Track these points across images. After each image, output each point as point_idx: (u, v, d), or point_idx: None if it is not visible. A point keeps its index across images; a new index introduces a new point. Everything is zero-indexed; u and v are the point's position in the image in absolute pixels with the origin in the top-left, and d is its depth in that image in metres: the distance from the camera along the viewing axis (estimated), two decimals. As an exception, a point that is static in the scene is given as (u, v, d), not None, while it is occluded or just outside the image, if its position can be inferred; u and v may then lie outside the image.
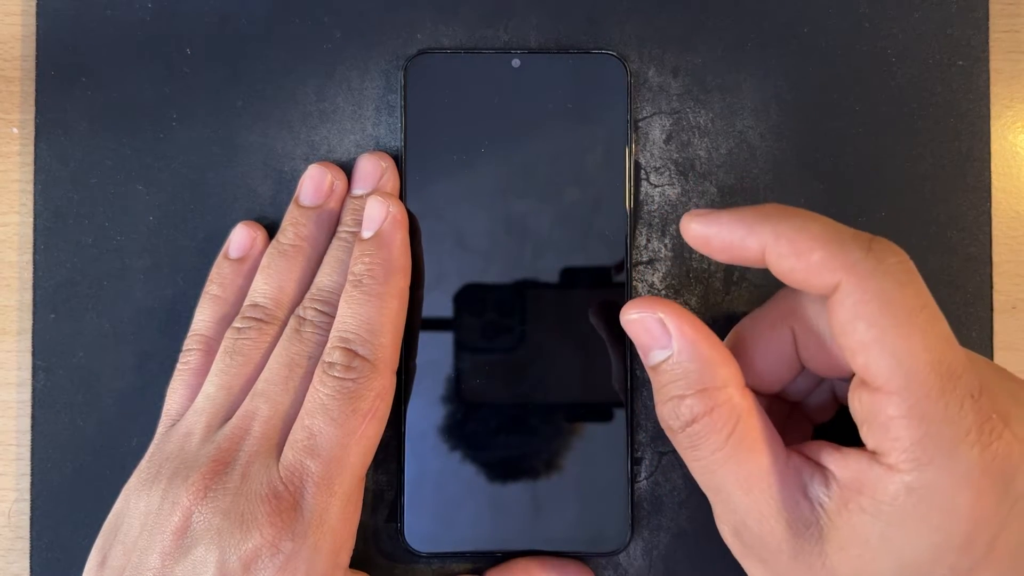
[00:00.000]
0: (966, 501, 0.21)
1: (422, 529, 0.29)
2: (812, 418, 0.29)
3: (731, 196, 0.31)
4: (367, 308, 0.27)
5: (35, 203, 0.31)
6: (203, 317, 0.30)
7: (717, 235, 0.24)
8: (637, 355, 0.30)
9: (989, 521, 0.21)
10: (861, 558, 0.22)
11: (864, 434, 0.22)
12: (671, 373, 0.24)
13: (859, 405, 0.22)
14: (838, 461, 0.23)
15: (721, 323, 0.31)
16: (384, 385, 0.27)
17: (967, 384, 0.21)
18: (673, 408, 0.24)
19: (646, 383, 0.31)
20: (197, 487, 0.25)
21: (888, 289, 0.21)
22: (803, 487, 0.23)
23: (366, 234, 0.28)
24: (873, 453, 0.22)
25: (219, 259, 0.30)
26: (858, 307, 0.21)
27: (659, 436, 0.31)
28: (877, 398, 0.21)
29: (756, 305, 0.29)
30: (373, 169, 0.30)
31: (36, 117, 0.31)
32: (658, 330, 0.24)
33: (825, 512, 0.22)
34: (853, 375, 0.23)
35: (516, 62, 0.30)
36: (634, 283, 0.31)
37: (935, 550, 0.21)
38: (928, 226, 0.31)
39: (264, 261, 0.30)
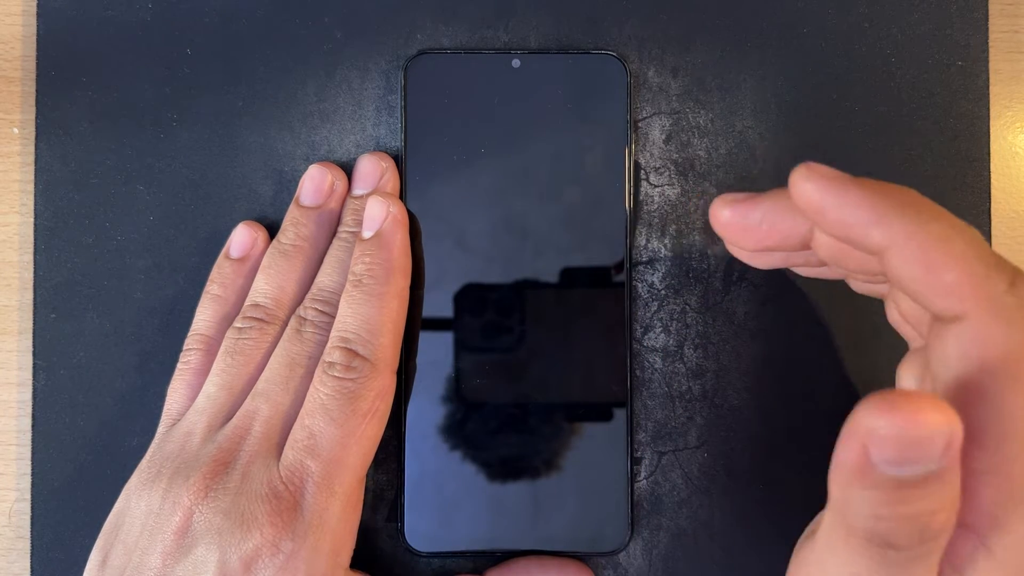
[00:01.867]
0: None
1: (422, 529, 0.29)
2: None
3: (731, 196, 0.31)
4: (367, 308, 0.27)
5: (35, 203, 0.31)
6: (204, 317, 0.30)
7: (837, 210, 0.20)
8: (637, 355, 0.31)
9: None
10: None
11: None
12: (930, 487, 0.18)
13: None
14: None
15: (721, 323, 0.31)
16: (384, 385, 0.27)
17: None
18: (919, 527, 0.18)
19: (646, 383, 0.31)
20: (198, 487, 0.25)
21: (1019, 340, 0.18)
22: None
23: (367, 234, 0.28)
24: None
25: (220, 259, 0.30)
26: (978, 349, 0.19)
27: (659, 436, 0.31)
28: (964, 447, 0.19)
29: (756, 305, 0.29)
30: (373, 169, 0.30)
31: (36, 117, 0.31)
32: (940, 444, 0.18)
33: None
34: None
35: (516, 62, 0.30)
36: (634, 283, 0.31)
37: None
38: (928, 226, 0.31)
39: (265, 261, 0.30)
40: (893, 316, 0.25)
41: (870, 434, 0.17)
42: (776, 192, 0.21)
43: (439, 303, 0.30)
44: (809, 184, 0.20)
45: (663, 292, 0.31)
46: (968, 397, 0.19)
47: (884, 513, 0.18)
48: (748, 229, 0.22)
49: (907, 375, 0.23)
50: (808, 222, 0.20)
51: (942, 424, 0.17)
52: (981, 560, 0.19)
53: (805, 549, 0.22)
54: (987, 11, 0.31)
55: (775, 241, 0.22)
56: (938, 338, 0.20)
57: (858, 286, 0.25)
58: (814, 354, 0.31)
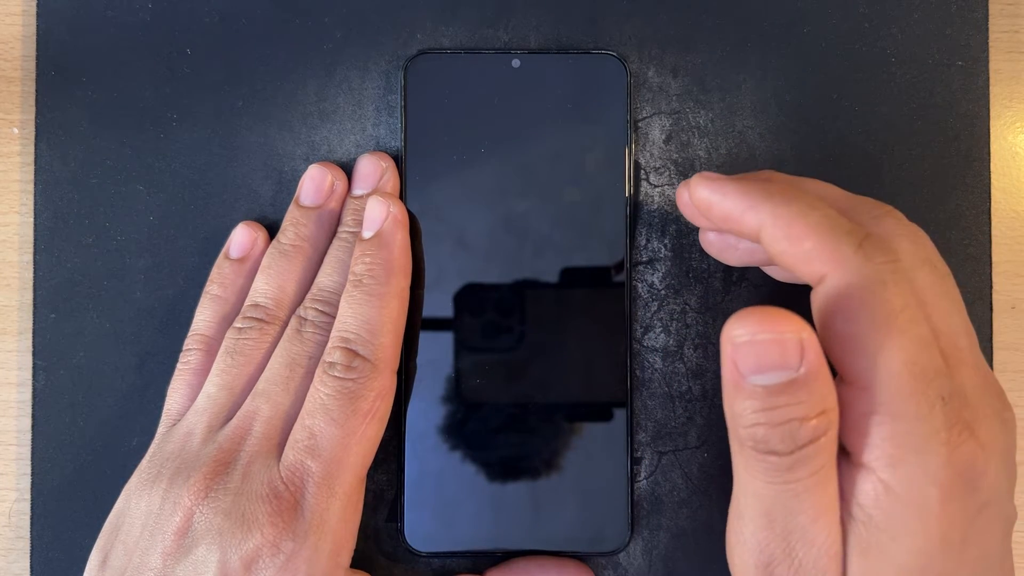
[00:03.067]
0: (936, 499, 0.21)
1: (422, 529, 0.29)
2: None
3: (731, 196, 0.31)
4: (368, 308, 0.27)
5: (35, 203, 0.31)
6: (204, 317, 0.30)
7: (720, 204, 0.24)
8: (637, 355, 0.31)
9: (959, 522, 0.21)
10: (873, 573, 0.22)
11: (840, 431, 0.22)
12: (795, 394, 0.21)
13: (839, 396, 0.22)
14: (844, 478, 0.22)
15: (721, 323, 0.31)
16: (384, 385, 0.27)
17: (939, 387, 0.21)
18: (790, 431, 0.21)
19: (646, 383, 0.31)
20: (198, 487, 0.25)
21: (870, 287, 0.21)
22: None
23: (367, 234, 0.28)
24: (848, 455, 0.22)
25: (220, 259, 0.30)
26: (838, 302, 0.22)
27: (659, 436, 0.31)
28: (850, 393, 0.22)
29: (756, 305, 0.29)
30: (373, 169, 0.30)
31: (36, 117, 0.31)
32: (792, 351, 0.21)
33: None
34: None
35: (516, 62, 0.30)
36: (634, 283, 0.31)
37: (921, 556, 0.21)
38: (928, 226, 0.31)
39: (265, 261, 0.30)
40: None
41: (733, 345, 0.21)
42: (742, 180, 0.24)
43: (439, 303, 0.30)
44: (702, 187, 0.24)
45: (663, 292, 0.31)
46: (842, 346, 0.22)
47: (759, 419, 0.21)
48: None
49: None
50: (756, 217, 0.23)
51: (790, 328, 0.20)
52: (883, 496, 0.21)
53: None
54: (987, 11, 0.31)
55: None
56: (815, 304, 0.23)
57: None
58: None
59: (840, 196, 0.25)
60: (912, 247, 0.23)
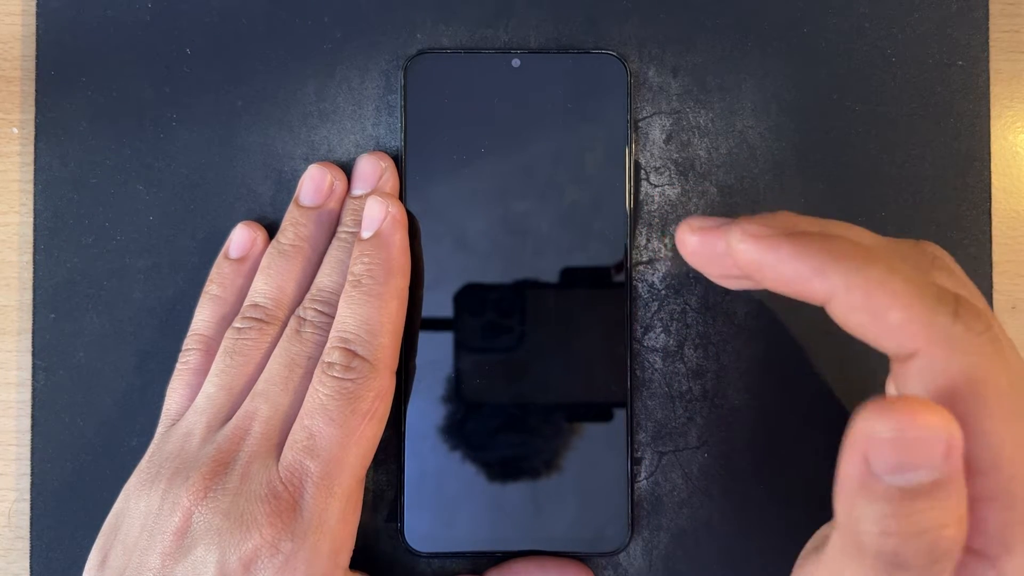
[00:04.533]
0: None
1: (422, 529, 0.29)
2: None
3: (731, 196, 0.31)
4: (366, 308, 0.27)
5: (35, 203, 0.31)
6: (203, 317, 0.30)
7: (774, 265, 0.20)
8: (637, 355, 0.31)
9: None
10: None
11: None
12: (938, 498, 0.18)
13: None
14: None
15: (721, 323, 0.31)
16: (383, 385, 0.27)
17: None
18: (929, 542, 0.18)
19: (646, 383, 0.31)
20: (197, 487, 0.25)
21: (976, 365, 0.19)
22: None
23: (365, 234, 0.28)
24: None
25: (219, 259, 0.30)
26: (943, 382, 0.19)
27: (659, 436, 0.31)
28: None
29: (756, 305, 0.29)
30: (372, 169, 0.30)
31: (36, 117, 0.31)
32: (940, 448, 0.18)
33: None
34: None
35: (516, 62, 0.30)
36: (634, 283, 0.31)
37: None
38: (928, 226, 0.31)
39: (264, 261, 0.30)
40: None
41: (869, 440, 0.17)
42: (799, 238, 0.21)
43: (439, 303, 0.30)
44: (743, 245, 0.20)
45: (663, 292, 0.31)
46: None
47: (893, 528, 0.18)
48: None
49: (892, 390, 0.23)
50: (826, 285, 0.20)
51: (939, 425, 0.17)
52: None
53: (810, 564, 0.22)
54: (987, 11, 0.31)
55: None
56: (902, 376, 0.20)
57: None
58: (814, 354, 0.31)
59: (879, 243, 0.22)
60: (979, 299, 0.21)
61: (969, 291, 0.22)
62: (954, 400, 0.19)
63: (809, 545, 0.24)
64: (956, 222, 0.31)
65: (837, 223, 0.22)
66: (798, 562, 0.24)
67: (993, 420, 0.19)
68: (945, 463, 0.17)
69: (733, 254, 0.21)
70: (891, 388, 0.23)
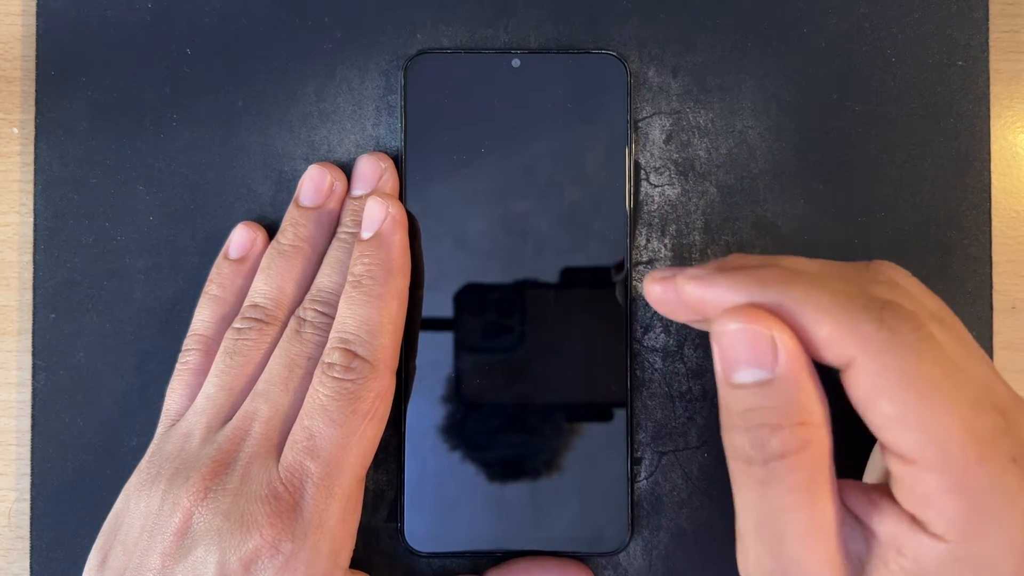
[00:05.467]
0: (1012, 569, 0.20)
1: (422, 529, 0.29)
2: None
3: (731, 196, 0.31)
4: (367, 309, 0.27)
5: (35, 203, 0.31)
6: (203, 317, 0.30)
7: (714, 300, 0.22)
8: (637, 355, 0.31)
9: None
10: None
11: (900, 496, 0.21)
12: (767, 398, 0.21)
13: (893, 469, 0.21)
14: (876, 518, 0.21)
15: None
16: (384, 386, 0.27)
17: (1007, 448, 0.20)
18: (760, 437, 0.21)
19: (646, 383, 0.31)
20: (197, 488, 0.25)
21: (906, 362, 0.20)
22: (844, 540, 0.22)
23: (365, 235, 0.28)
24: (913, 518, 0.21)
25: (219, 259, 0.30)
26: (877, 383, 0.20)
27: (659, 436, 0.31)
28: (914, 471, 0.20)
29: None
30: (372, 170, 0.30)
31: (36, 117, 0.31)
32: (766, 347, 0.20)
33: (864, 570, 0.21)
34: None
35: (516, 62, 0.30)
36: (634, 283, 0.31)
37: None
38: (928, 226, 0.31)
39: (264, 262, 0.30)
40: None
41: (714, 338, 0.21)
42: (730, 274, 0.22)
43: (439, 303, 0.30)
44: (687, 286, 0.23)
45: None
46: (895, 429, 0.20)
47: (735, 422, 0.21)
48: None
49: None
50: None
51: (765, 328, 0.20)
52: (949, 564, 0.20)
53: None
54: (987, 11, 0.31)
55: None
56: (851, 389, 0.21)
57: None
58: (814, 354, 0.31)
59: (821, 268, 0.23)
60: (922, 303, 0.22)
61: (916, 298, 0.22)
62: (890, 400, 0.20)
63: None
64: (956, 222, 0.31)
65: (782, 256, 0.24)
66: None
67: (931, 414, 0.20)
68: (773, 364, 0.20)
69: (680, 295, 0.23)
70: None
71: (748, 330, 0.21)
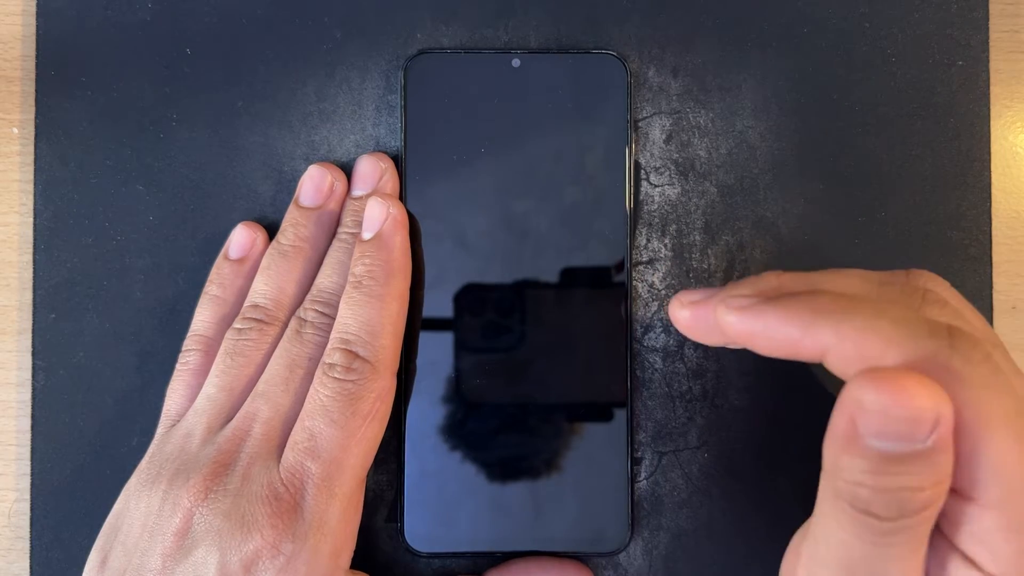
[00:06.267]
0: None
1: (422, 529, 0.29)
2: None
3: (731, 196, 0.31)
4: (367, 309, 0.27)
5: (35, 203, 0.31)
6: (203, 318, 0.30)
7: (764, 332, 0.21)
8: (637, 355, 0.31)
9: None
10: None
11: (950, 531, 0.20)
12: (915, 465, 0.19)
13: (946, 504, 0.20)
14: (930, 553, 0.21)
15: (721, 323, 0.31)
16: (384, 386, 0.27)
17: None
18: (899, 499, 0.19)
19: (646, 383, 0.31)
20: (198, 488, 0.25)
21: (978, 394, 0.19)
22: None
23: (366, 235, 0.28)
24: (965, 555, 0.20)
25: (219, 259, 0.30)
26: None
27: (659, 436, 0.31)
28: (970, 508, 0.20)
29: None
30: (372, 170, 0.30)
31: (36, 117, 0.31)
32: (925, 425, 0.18)
33: None
34: None
35: (516, 62, 0.30)
36: (634, 283, 0.31)
37: None
38: (928, 226, 0.31)
39: (264, 262, 0.30)
40: None
41: (858, 407, 0.18)
42: (783, 301, 0.21)
43: (439, 303, 0.30)
44: (731, 316, 0.21)
45: (663, 292, 0.31)
46: (958, 463, 0.19)
47: (867, 482, 0.19)
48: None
49: None
50: (816, 342, 0.20)
51: (929, 406, 0.18)
52: None
53: (798, 534, 0.23)
54: (987, 11, 0.31)
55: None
56: None
57: None
58: (814, 354, 0.31)
59: (868, 281, 0.22)
60: (974, 325, 0.21)
61: (967, 318, 0.21)
62: (959, 432, 0.19)
63: (801, 528, 0.24)
64: (956, 222, 0.31)
65: (822, 273, 0.23)
66: (791, 543, 0.24)
67: (999, 451, 0.19)
68: (928, 438, 0.18)
69: (722, 327, 0.21)
70: None
71: (907, 407, 0.18)
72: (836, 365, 0.20)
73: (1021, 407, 0.19)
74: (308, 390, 0.27)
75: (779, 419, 0.30)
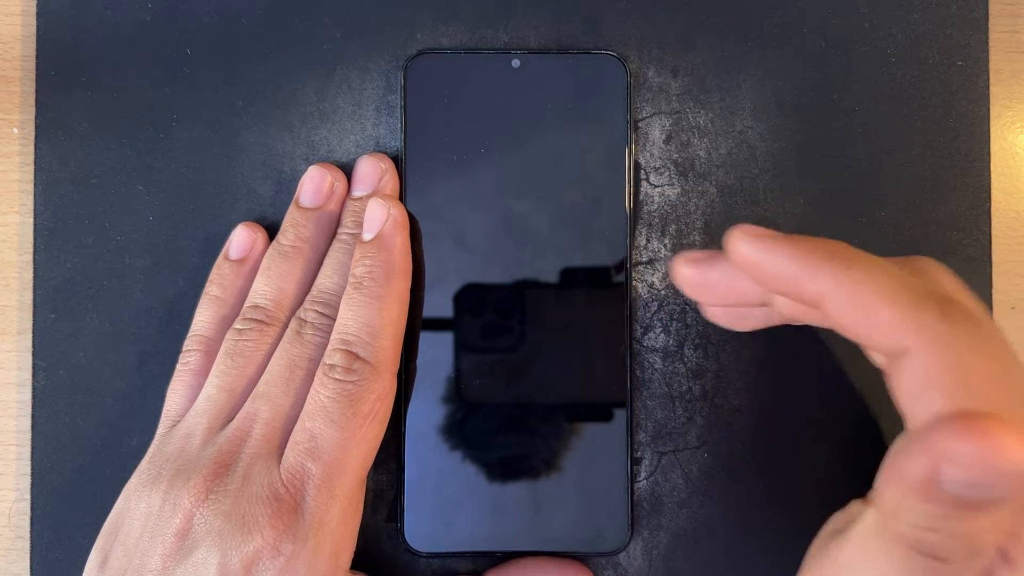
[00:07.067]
0: None
1: (422, 529, 0.29)
2: None
3: (731, 196, 0.31)
4: (368, 310, 0.27)
5: (35, 203, 0.31)
6: (203, 318, 0.30)
7: (770, 264, 0.21)
8: (637, 355, 0.31)
9: None
10: None
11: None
12: (995, 509, 0.18)
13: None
14: None
15: (721, 323, 0.31)
16: (385, 387, 0.27)
17: None
18: (972, 546, 0.19)
19: (646, 383, 0.31)
20: (198, 489, 0.25)
21: (966, 357, 0.19)
22: None
23: (367, 236, 0.28)
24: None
25: (219, 260, 0.30)
26: (932, 376, 0.19)
27: (659, 436, 0.31)
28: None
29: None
30: (373, 171, 0.30)
31: (36, 117, 0.31)
32: (1014, 482, 0.18)
33: None
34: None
35: (516, 62, 0.30)
36: (634, 283, 0.31)
37: None
38: (928, 226, 0.31)
39: (264, 262, 0.30)
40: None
41: (948, 456, 0.18)
42: (792, 239, 0.22)
43: (439, 303, 0.30)
44: (741, 243, 0.21)
45: (663, 292, 0.31)
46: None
47: (940, 527, 0.18)
48: (709, 287, 0.23)
49: None
50: (816, 283, 0.21)
51: (1021, 459, 0.17)
52: None
53: (833, 547, 0.23)
54: (987, 11, 0.31)
55: (734, 298, 0.23)
56: (895, 375, 0.20)
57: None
58: (814, 354, 0.31)
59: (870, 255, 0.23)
60: (972, 301, 0.21)
61: (962, 297, 0.22)
62: (945, 396, 0.19)
63: (828, 527, 0.24)
64: (956, 222, 0.31)
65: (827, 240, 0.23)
66: (815, 544, 0.24)
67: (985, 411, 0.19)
68: (1012, 487, 0.17)
69: (731, 253, 0.22)
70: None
71: (1003, 461, 0.17)
72: (832, 311, 0.20)
73: (1006, 376, 0.19)
74: (308, 391, 0.27)
75: (779, 419, 0.30)
